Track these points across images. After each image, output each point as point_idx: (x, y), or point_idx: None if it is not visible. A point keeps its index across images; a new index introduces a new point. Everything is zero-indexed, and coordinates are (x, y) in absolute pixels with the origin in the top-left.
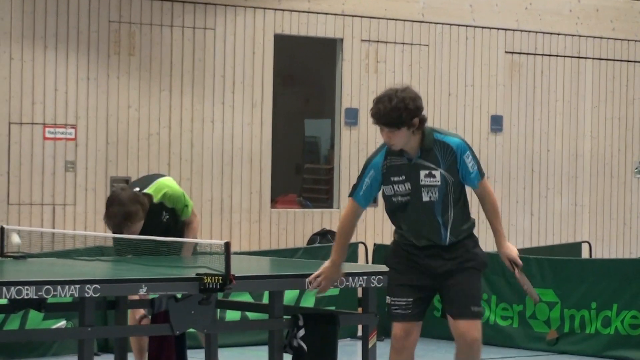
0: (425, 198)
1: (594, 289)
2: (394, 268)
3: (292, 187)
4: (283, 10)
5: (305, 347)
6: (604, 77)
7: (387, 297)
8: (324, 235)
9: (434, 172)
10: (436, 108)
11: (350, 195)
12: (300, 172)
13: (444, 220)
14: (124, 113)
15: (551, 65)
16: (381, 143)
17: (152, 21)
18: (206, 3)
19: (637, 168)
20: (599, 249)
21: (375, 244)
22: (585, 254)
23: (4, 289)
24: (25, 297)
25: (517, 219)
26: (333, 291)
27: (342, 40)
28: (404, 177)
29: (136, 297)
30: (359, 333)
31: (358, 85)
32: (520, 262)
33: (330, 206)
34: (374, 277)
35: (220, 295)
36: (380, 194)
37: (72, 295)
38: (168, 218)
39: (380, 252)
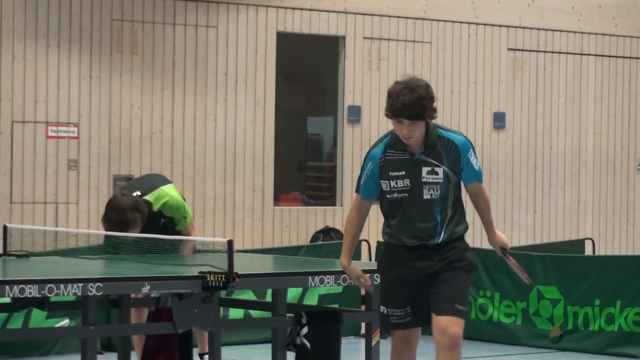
0: (426, 195)
1: (597, 286)
2: (386, 277)
3: (295, 185)
4: (285, 7)
5: (308, 345)
6: (606, 73)
7: (383, 307)
8: (327, 232)
9: (437, 169)
10: (439, 105)
11: (355, 190)
12: (303, 170)
13: (441, 219)
14: (126, 111)
15: (554, 62)
16: (382, 135)
17: (154, 19)
18: (208, 1)
19: (639, 164)
20: (602, 246)
21: (378, 241)
22: (588, 251)
23: (7, 287)
24: (28, 295)
25: (520, 216)
26: (336, 289)
27: (344, 37)
28: (403, 172)
29: (140, 296)
30: (362, 331)
31: (361, 83)
32: (507, 245)
33: (333, 204)
34: (377, 274)
35: (223, 293)
36: None
37: (75, 293)
38: (165, 223)
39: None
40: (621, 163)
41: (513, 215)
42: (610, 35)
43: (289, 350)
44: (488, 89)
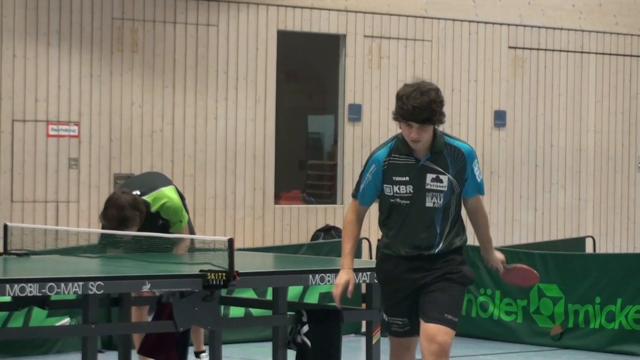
0: (429, 203)
1: (598, 284)
2: (384, 286)
3: (295, 183)
4: (286, 6)
5: (309, 343)
6: (607, 71)
7: (384, 315)
8: (328, 231)
9: (441, 176)
10: None
11: (352, 195)
12: (303, 168)
13: (441, 229)
14: (127, 110)
15: (554, 60)
16: (387, 139)
17: (155, 18)
18: (209, 0)
19: None
20: (603, 244)
21: (378, 240)
22: (589, 249)
23: (8, 286)
24: (29, 294)
25: (521, 214)
26: None
27: (345, 36)
28: (407, 178)
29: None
30: (363, 329)
31: (361, 81)
32: (504, 258)
33: (334, 202)
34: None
35: (224, 292)
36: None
37: (75, 292)
38: (163, 223)
39: None
40: (622, 161)
41: (514, 213)
42: (611, 33)
43: (290, 348)
44: (489, 87)
